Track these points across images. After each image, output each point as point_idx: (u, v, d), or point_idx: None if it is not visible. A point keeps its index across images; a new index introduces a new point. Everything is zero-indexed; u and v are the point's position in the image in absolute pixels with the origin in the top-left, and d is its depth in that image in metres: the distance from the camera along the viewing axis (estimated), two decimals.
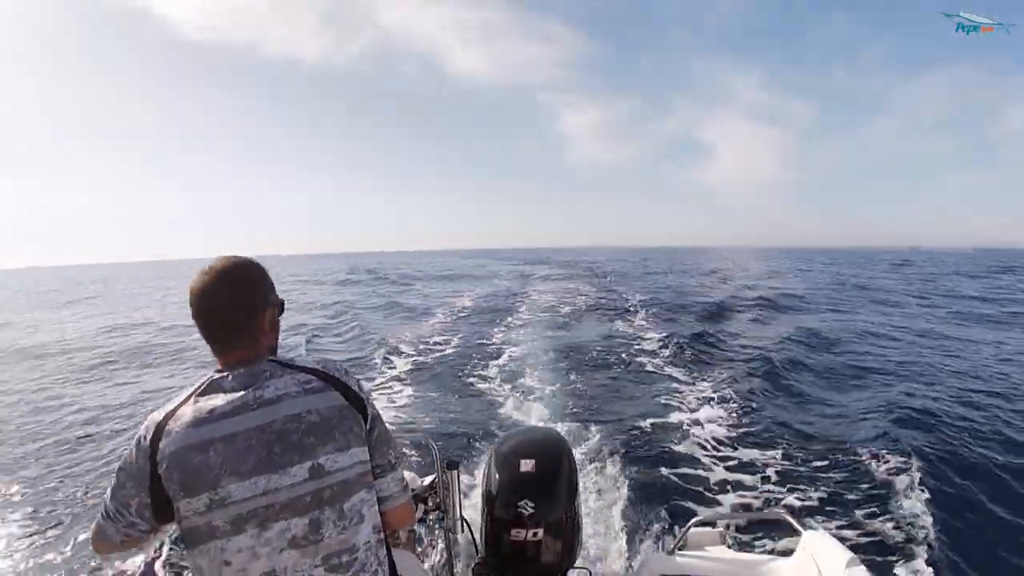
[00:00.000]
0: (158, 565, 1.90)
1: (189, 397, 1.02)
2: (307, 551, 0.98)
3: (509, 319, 13.85)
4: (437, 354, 9.64)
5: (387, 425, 1.18)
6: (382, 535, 1.10)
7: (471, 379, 7.88)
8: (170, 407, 1.03)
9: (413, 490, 2.08)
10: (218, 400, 1.00)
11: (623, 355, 9.36)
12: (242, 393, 1.01)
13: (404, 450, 4.79)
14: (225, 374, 1.04)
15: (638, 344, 10.36)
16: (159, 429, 1.00)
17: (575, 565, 1.83)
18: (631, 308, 16.23)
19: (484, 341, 10.76)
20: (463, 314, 15.17)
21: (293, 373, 1.06)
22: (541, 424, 5.69)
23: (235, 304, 1.06)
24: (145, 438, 1.01)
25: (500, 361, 8.92)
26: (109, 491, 1.05)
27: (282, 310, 1.19)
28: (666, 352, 9.52)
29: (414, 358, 9.23)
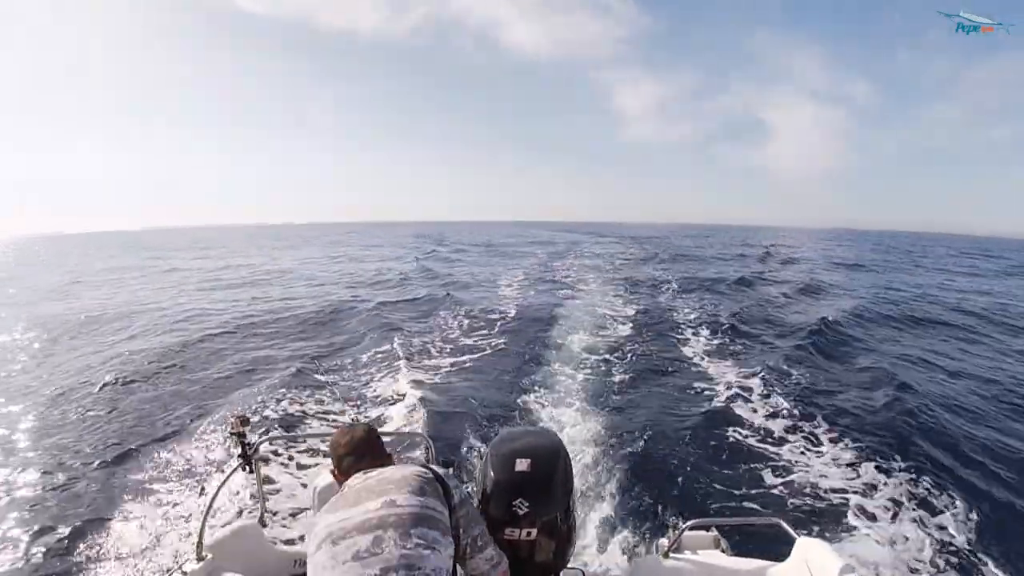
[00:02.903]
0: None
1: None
2: (368, 562, 1.19)
3: (527, 305, 13.74)
4: (449, 345, 9.65)
5: (476, 511, 1.53)
6: None
7: (477, 374, 7.88)
8: None
9: None
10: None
11: (637, 348, 9.28)
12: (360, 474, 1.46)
13: (399, 448, 4.79)
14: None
15: (658, 335, 10.29)
16: None
17: (568, 565, 1.83)
18: (665, 291, 16.25)
19: (504, 330, 10.70)
20: (485, 302, 14.89)
21: (393, 462, 1.58)
22: (539, 424, 5.69)
23: (380, 452, 1.60)
24: None
25: (508, 356, 8.88)
26: None
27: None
28: (685, 346, 9.48)
29: (422, 351, 9.22)
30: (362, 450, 1.58)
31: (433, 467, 1.48)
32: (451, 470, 1.96)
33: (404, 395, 6.81)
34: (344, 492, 1.40)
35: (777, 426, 5.85)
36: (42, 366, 9.05)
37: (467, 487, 1.66)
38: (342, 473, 1.56)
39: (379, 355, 8.79)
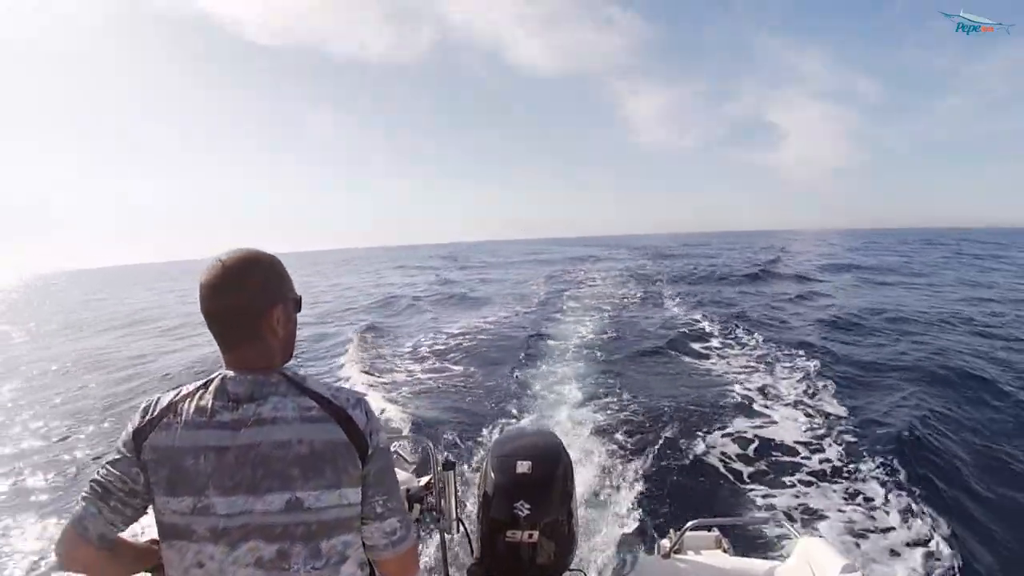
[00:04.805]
0: None
1: (196, 391, 1.02)
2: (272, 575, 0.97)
3: (531, 312, 13.78)
4: (452, 349, 9.64)
5: (392, 470, 1.10)
6: (366, 571, 1.08)
7: (481, 376, 7.88)
8: (174, 397, 1.02)
9: (408, 490, 2.08)
10: (219, 405, 0.99)
11: (639, 349, 9.26)
12: (244, 406, 0.99)
13: (402, 452, 4.77)
14: (235, 376, 1.01)
15: (660, 337, 10.25)
16: (159, 416, 1.00)
17: (570, 567, 1.83)
18: (667, 296, 16.30)
19: (507, 335, 10.69)
20: (487, 307, 14.99)
21: (297, 395, 1.02)
22: (539, 426, 5.68)
23: (245, 300, 1.01)
24: (143, 419, 1.01)
25: (510, 358, 8.87)
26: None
27: (299, 307, 1.12)
28: (687, 347, 9.46)
29: (424, 353, 9.20)
30: (230, 318, 1.01)
31: (348, 410, 1.04)
32: (453, 473, 1.95)
33: (405, 397, 6.80)
34: (226, 447, 0.96)
35: (780, 424, 5.85)
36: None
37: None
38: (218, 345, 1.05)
39: (380, 357, 8.79)
